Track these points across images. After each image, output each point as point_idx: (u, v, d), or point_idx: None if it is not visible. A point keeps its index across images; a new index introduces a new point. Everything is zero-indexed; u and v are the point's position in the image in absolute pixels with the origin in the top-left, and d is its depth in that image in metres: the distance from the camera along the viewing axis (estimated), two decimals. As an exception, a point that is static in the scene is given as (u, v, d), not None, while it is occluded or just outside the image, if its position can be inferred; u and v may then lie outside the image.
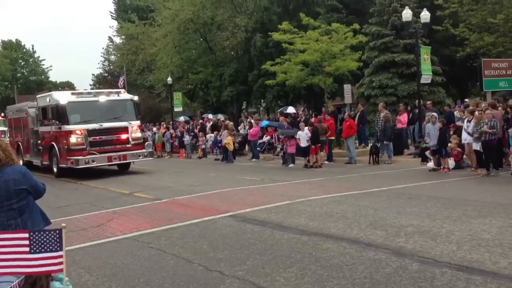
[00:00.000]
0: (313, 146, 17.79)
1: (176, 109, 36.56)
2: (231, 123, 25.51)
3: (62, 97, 17.93)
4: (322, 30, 23.23)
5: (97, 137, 17.72)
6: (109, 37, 61.30)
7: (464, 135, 14.56)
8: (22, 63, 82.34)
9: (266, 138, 24.15)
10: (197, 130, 28.13)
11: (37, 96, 20.99)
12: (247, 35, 34.17)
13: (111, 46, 58.14)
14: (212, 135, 26.34)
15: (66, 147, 17.50)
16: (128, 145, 18.39)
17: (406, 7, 20.88)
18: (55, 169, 18.71)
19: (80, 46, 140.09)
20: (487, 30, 26.15)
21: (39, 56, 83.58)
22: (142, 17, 44.44)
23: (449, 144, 15.21)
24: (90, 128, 17.61)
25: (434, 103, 23.75)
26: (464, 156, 15.13)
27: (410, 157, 18.38)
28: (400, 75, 27.00)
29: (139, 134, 19.21)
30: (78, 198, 13.41)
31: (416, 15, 22.51)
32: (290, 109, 29.03)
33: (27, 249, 3.18)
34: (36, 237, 3.23)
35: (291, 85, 26.77)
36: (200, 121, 32.74)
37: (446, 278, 5.40)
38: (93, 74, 63.18)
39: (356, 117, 20.35)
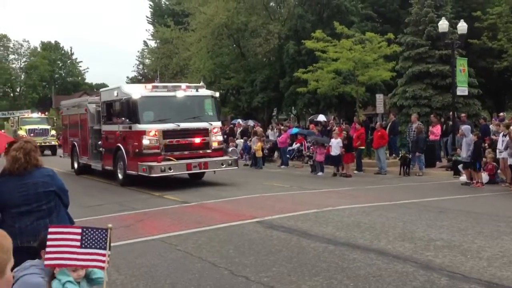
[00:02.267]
0: (349, 154, 17.77)
1: (207, 114, 36.80)
2: (261, 129, 25.57)
3: (134, 91, 15.20)
4: (355, 39, 23.09)
5: (174, 140, 15.00)
6: (144, 41, 62.29)
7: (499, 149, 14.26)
8: (60, 64, 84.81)
9: (296, 146, 24.12)
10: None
11: (101, 90, 18.85)
12: (280, 42, 34.25)
13: (146, 50, 59.17)
14: (242, 140, 26.46)
15: (136, 150, 14.79)
16: (208, 151, 15.58)
17: (443, 17, 20.56)
18: (120, 176, 15.93)
19: (116, 51, 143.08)
20: (526, 43, 25.53)
21: (76, 58, 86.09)
22: (177, 22, 45.10)
23: (483, 158, 14.90)
24: (166, 128, 14.91)
25: (469, 116, 23.28)
26: (499, 171, 14.78)
27: (442, 169, 18.04)
28: (435, 86, 26.54)
29: (220, 138, 16.47)
30: (108, 198, 13.67)
31: (453, 26, 22.13)
32: (321, 117, 28.91)
33: (78, 243, 3.39)
34: (87, 234, 3.44)
35: (322, 93, 26.68)
36: (230, 125, 32.92)
37: (476, 294, 5.29)
38: (127, 77, 64.36)
39: (387, 127, 20.12)
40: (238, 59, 37.76)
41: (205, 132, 15.65)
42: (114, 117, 16.37)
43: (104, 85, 78.24)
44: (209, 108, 16.45)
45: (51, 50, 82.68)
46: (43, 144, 31.97)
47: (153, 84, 16.47)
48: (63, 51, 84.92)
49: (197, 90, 16.14)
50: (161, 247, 7.85)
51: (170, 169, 14.47)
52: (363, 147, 19.23)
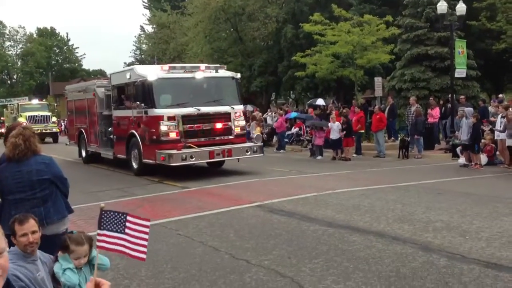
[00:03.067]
0: (348, 138, 17.77)
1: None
2: (260, 114, 25.53)
3: (150, 72, 13.99)
4: (354, 22, 22.96)
5: (194, 126, 13.86)
6: (140, 26, 61.96)
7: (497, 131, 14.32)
8: (57, 51, 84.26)
9: (294, 130, 24.14)
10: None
11: (111, 73, 17.28)
12: (277, 25, 34.02)
13: (143, 35, 58.81)
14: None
15: (153, 137, 13.68)
16: (230, 137, 14.50)
17: (442, -1, 20.40)
18: (135, 165, 14.84)
19: (112, 36, 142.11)
20: (525, 24, 25.35)
21: (73, 44, 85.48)
22: (174, 6, 44.73)
23: (482, 140, 14.94)
24: (185, 113, 13.73)
25: (468, 98, 23.25)
26: (497, 152, 14.83)
27: (440, 152, 18.10)
28: (433, 68, 26.44)
29: (242, 123, 15.33)
30: (108, 184, 13.68)
31: (452, 7, 21.97)
32: (319, 101, 28.86)
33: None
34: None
35: (320, 77, 26.60)
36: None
37: (474, 274, 5.35)
38: (124, 63, 64.05)
39: (386, 111, 20.11)
40: (236, 43, 37.52)
41: (227, 117, 14.49)
42: (127, 101, 15.16)
43: (101, 71, 77.96)
44: (230, 91, 15.28)
45: (47, 36, 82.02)
46: (44, 131, 30.91)
47: (170, 64, 15.28)
48: (59, 37, 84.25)
49: (216, 71, 14.93)
50: (162, 232, 7.89)
51: (191, 157, 13.33)
52: (362, 131, 19.26)
